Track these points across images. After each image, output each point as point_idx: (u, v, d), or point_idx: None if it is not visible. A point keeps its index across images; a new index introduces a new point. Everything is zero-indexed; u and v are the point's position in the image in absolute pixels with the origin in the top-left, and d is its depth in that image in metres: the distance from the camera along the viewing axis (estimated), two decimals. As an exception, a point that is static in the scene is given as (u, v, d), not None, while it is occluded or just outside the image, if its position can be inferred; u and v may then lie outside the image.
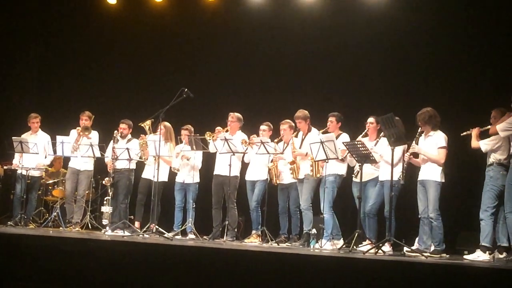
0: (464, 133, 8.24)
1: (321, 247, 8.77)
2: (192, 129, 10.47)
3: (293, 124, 9.78)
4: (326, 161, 8.87)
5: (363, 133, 9.12)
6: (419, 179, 8.33)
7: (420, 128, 8.30)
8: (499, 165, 7.80)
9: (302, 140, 9.60)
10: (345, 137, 9.24)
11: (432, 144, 8.24)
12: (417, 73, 10.70)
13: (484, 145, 7.93)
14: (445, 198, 8.25)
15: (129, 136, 10.78)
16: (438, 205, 8.11)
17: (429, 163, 8.23)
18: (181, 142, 10.38)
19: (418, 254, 7.86)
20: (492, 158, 7.89)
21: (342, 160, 9.05)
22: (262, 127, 10.06)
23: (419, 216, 8.30)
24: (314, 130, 9.57)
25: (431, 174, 8.20)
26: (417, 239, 8.43)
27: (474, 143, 8.07)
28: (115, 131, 10.58)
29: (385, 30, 11.02)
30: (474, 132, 8.10)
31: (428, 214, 8.17)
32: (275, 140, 9.80)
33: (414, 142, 8.26)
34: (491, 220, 7.74)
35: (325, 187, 9.01)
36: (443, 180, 8.19)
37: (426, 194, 8.22)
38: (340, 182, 9.24)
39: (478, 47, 10.21)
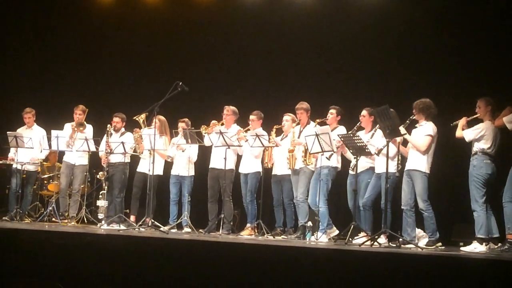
0: (454, 123, 8.28)
1: (316, 239, 8.79)
2: (189, 123, 10.45)
3: (296, 119, 9.77)
4: (326, 157, 8.90)
5: (356, 126, 9.11)
6: (405, 169, 8.35)
7: (413, 115, 8.33)
8: (483, 154, 7.86)
9: (300, 132, 9.59)
10: (342, 130, 9.23)
11: (421, 133, 8.28)
12: (411, 65, 10.67)
13: (468, 134, 7.98)
14: (439, 190, 8.27)
15: (123, 129, 10.76)
16: (427, 195, 8.15)
17: (415, 152, 8.25)
18: (177, 135, 10.36)
19: (412, 246, 7.88)
20: (476, 147, 7.94)
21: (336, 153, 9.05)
22: (251, 116, 10.06)
23: (402, 208, 8.32)
24: (312, 123, 9.55)
25: (417, 164, 8.22)
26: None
27: (459, 132, 8.14)
28: (109, 125, 10.56)
29: (379, 23, 10.99)
30: (461, 122, 8.14)
31: (409, 207, 8.22)
32: (275, 127, 9.79)
33: (402, 126, 8.27)
34: (484, 210, 7.77)
35: (320, 179, 9.02)
36: (429, 171, 8.21)
37: (411, 186, 8.25)
38: (335, 174, 9.24)
39: (467, 39, 10.21)
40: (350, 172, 9.11)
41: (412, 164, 8.28)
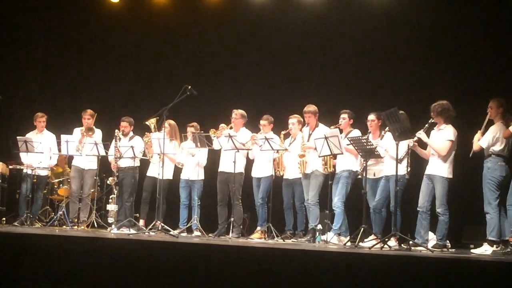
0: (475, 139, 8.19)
1: (327, 240, 8.76)
2: (198, 127, 10.46)
3: (302, 119, 9.76)
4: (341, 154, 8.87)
5: (368, 133, 9.04)
6: (426, 172, 8.31)
7: (432, 119, 8.29)
8: (497, 156, 7.83)
9: (309, 135, 9.57)
10: (357, 133, 9.22)
11: (441, 137, 8.24)
12: (420, 67, 10.68)
13: (484, 142, 7.93)
14: (449, 192, 8.22)
15: (131, 133, 10.75)
16: (446, 200, 8.11)
17: (437, 157, 8.21)
18: (186, 139, 10.37)
19: (423, 248, 7.86)
20: (490, 149, 7.91)
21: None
22: (262, 121, 10.04)
23: (418, 209, 8.30)
24: (321, 125, 9.55)
25: (439, 169, 8.19)
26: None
27: (476, 145, 8.06)
28: (117, 130, 10.56)
29: (387, 25, 10.99)
30: (476, 137, 8.09)
31: (425, 209, 8.20)
32: (282, 132, 9.77)
33: (422, 130, 8.24)
34: (497, 212, 7.74)
35: (340, 181, 9.02)
36: (451, 176, 8.18)
37: (430, 189, 8.22)
38: (354, 178, 9.22)
39: (477, 41, 10.21)
40: (369, 177, 9.03)
41: (434, 169, 8.24)
